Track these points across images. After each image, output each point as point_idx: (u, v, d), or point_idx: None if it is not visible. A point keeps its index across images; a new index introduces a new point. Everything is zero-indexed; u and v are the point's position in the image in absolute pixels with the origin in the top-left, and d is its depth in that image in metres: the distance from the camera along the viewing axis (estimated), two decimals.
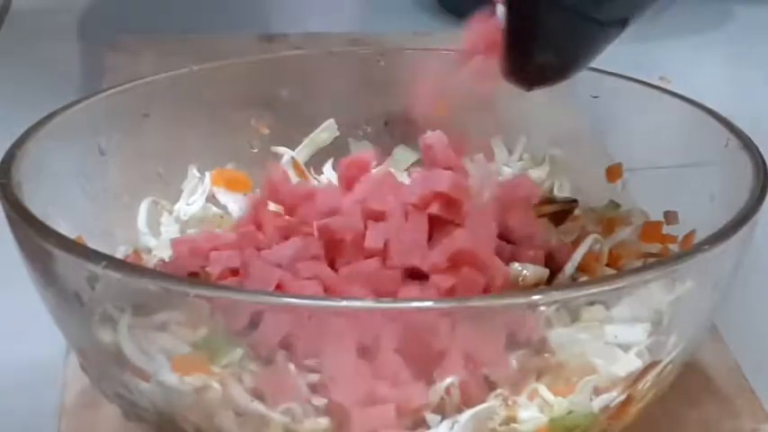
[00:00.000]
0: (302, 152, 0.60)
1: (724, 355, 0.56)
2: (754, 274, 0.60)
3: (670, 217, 0.55)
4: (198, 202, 0.58)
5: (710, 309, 0.48)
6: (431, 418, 0.44)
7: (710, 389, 0.54)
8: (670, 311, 0.45)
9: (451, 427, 0.43)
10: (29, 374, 0.56)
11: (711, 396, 0.54)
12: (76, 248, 0.45)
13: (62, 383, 0.54)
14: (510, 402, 0.44)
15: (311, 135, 0.61)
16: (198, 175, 0.59)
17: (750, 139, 0.52)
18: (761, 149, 0.51)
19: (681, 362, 0.48)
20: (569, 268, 0.51)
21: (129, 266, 0.47)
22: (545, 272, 0.51)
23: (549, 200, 0.58)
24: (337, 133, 0.61)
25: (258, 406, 0.44)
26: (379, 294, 0.48)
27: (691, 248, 0.45)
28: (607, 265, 0.53)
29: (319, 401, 0.43)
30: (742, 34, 0.98)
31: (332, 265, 0.49)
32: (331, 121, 0.61)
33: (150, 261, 0.54)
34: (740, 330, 0.58)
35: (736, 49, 0.96)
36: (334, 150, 0.60)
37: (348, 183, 0.54)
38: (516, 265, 0.50)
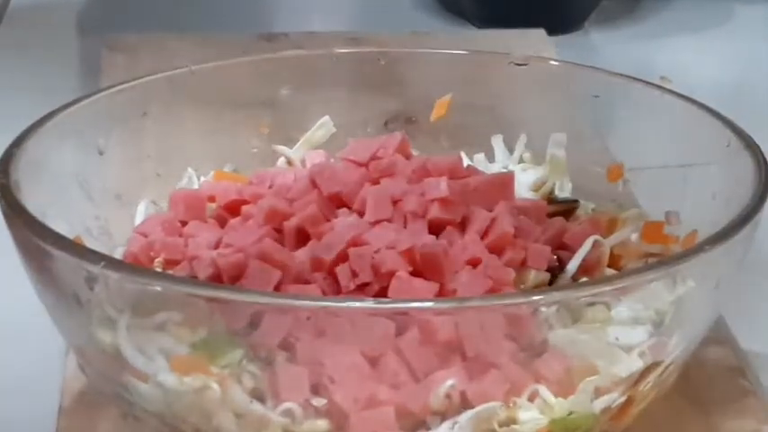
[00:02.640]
0: (298, 151, 0.60)
1: (726, 355, 0.56)
2: (756, 274, 0.60)
3: (671, 217, 0.55)
4: None
5: (712, 309, 0.48)
6: (431, 419, 0.44)
7: (712, 389, 0.54)
8: (672, 312, 0.45)
9: (452, 428, 0.43)
10: (29, 374, 0.56)
11: (713, 396, 0.54)
12: (75, 249, 0.45)
13: (62, 383, 0.54)
14: (510, 403, 0.44)
15: (307, 133, 0.60)
16: (195, 176, 0.59)
17: (752, 138, 0.52)
18: (762, 149, 0.51)
19: (682, 362, 0.48)
20: (571, 269, 0.51)
21: (128, 267, 0.47)
22: (546, 276, 0.50)
23: (550, 200, 0.57)
24: (333, 130, 0.61)
25: (257, 407, 0.43)
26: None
27: (692, 248, 0.45)
28: (608, 265, 0.52)
29: (319, 402, 0.43)
30: (743, 33, 0.98)
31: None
32: (326, 117, 0.61)
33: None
34: (742, 330, 0.58)
35: (737, 49, 0.96)
36: (334, 149, 0.60)
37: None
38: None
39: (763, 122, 0.59)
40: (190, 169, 0.59)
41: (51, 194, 0.51)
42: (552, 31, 0.91)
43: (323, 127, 0.60)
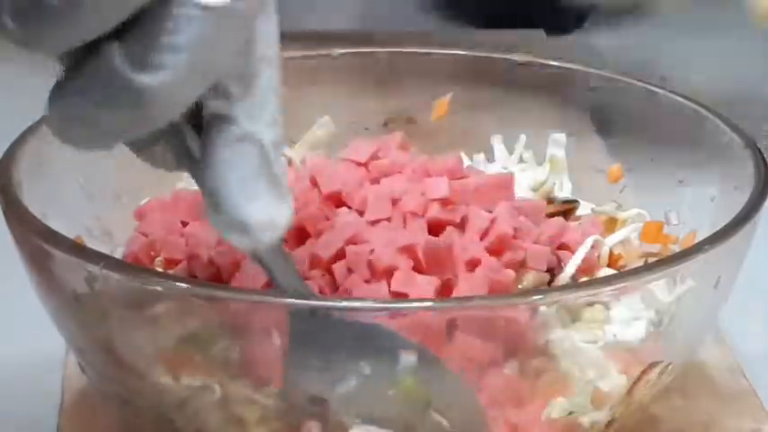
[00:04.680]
0: (299, 150, 0.60)
1: (724, 355, 0.56)
2: (755, 274, 0.60)
3: (670, 217, 0.55)
4: None
5: (712, 309, 0.48)
6: None
7: (711, 388, 0.54)
8: (671, 311, 0.45)
9: None
10: (29, 374, 0.56)
11: (712, 396, 0.54)
12: (75, 249, 0.45)
13: (62, 383, 0.54)
14: None
15: (307, 133, 0.60)
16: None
17: (751, 138, 0.52)
18: (762, 149, 0.51)
19: (682, 362, 0.48)
20: (570, 268, 0.51)
21: (128, 267, 0.47)
22: (545, 276, 0.50)
23: (550, 200, 0.57)
24: (334, 129, 0.61)
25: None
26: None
27: (692, 248, 0.45)
28: (608, 265, 0.52)
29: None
30: (743, 33, 0.97)
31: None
32: (326, 117, 0.60)
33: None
34: (741, 330, 0.58)
35: (738, 49, 0.96)
36: (334, 149, 0.60)
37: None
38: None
39: (764, 123, 0.59)
40: None
41: (52, 194, 0.51)
42: (552, 31, 0.91)
43: (323, 127, 0.60)
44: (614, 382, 0.45)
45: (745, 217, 0.46)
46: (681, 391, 0.53)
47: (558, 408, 0.44)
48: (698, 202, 0.53)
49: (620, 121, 0.59)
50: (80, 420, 0.52)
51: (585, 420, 0.44)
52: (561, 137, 0.59)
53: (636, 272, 0.46)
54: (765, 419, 0.52)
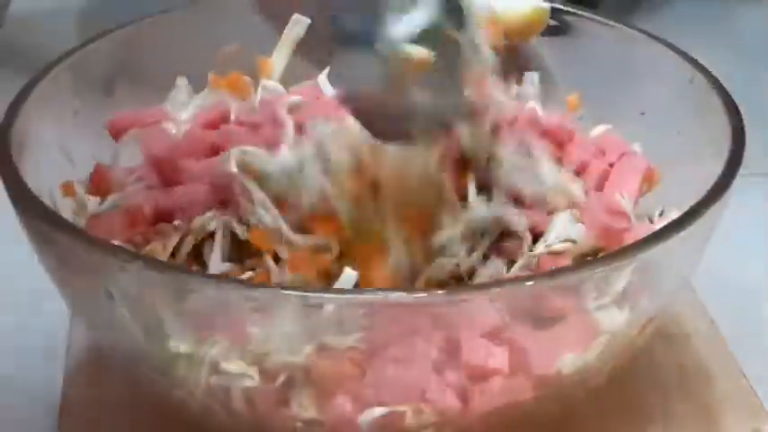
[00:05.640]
0: (280, 55, 0.57)
1: (724, 355, 0.56)
2: (755, 274, 0.60)
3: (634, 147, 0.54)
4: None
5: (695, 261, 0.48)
6: None
7: (711, 388, 0.54)
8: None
9: None
10: (29, 373, 0.55)
11: (712, 395, 0.53)
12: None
13: (63, 380, 0.54)
14: None
15: (283, 36, 0.57)
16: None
17: (716, 77, 0.52)
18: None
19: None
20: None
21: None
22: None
23: None
24: (309, 21, 0.57)
25: None
26: None
27: (664, 230, 0.44)
28: None
29: None
30: (743, 34, 0.97)
31: None
32: (296, 15, 0.57)
33: None
34: (741, 330, 0.58)
35: (738, 49, 0.95)
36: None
37: None
38: None
39: (764, 123, 0.59)
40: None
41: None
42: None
43: (296, 24, 0.57)
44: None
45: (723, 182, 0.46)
46: (681, 390, 0.53)
47: (569, 362, 0.44)
48: (661, 135, 0.53)
49: (585, 58, 0.58)
50: (80, 419, 0.52)
51: None
52: (534, 75, 0.57)
53: (608, 259, 0.44)
54: (765, 419, 0.52)
